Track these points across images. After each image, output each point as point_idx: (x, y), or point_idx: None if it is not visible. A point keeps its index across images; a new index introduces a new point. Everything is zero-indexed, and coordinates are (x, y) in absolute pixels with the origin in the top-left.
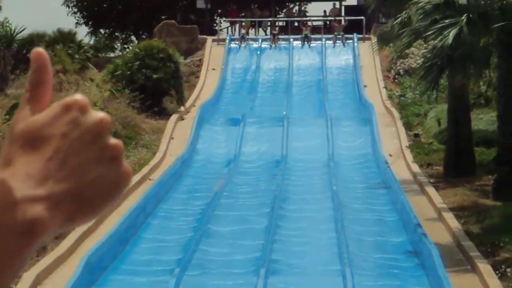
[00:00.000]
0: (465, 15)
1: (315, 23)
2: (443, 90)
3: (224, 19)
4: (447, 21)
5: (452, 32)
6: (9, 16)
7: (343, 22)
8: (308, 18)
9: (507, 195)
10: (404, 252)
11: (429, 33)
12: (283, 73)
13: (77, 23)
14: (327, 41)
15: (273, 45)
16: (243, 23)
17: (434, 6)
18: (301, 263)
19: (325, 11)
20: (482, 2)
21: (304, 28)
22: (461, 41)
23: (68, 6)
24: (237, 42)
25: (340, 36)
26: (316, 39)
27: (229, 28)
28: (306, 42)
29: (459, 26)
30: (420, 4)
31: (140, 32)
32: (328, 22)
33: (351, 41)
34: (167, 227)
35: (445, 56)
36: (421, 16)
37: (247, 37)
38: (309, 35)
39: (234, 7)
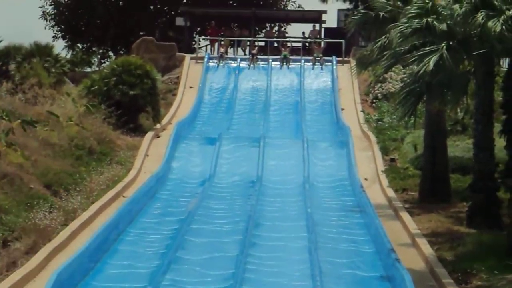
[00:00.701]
0: (445, 42)
1: (294, 44)
2: (420, 116)
3: (203, 37)
4: (427, 48)
5: (433, 59)
6: None
7: (322, 45)
8: (287, 39)
9: (481, 222)
10: (377, 277)
11: (411, 60)
12: (261, 93)
13: (54, 36)
14: (306, 63)
15: (252, 65)
16: (222, 42)
17: (414, 29)
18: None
19: (303, 33)
20: (462, 30)
21: (283, 49)
22: (441, 68)
23: (46, 19)
24: (215, 61)
25: (318, 58)
26: (295, 61)
27: (208, 46)
28: (285, 63)
29: (439, 52)
30: (400, 27)
31: (118, 48)
32: (307, 44)
33: (330, 63)
34: (140, 246)
35: (424, 83)
36: (400, 40)
37: (226, 56)
38: (288, 56)
39: (214, 25)
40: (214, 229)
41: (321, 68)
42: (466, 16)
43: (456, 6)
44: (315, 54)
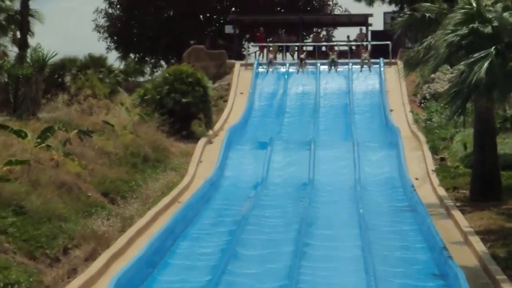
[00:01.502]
0: (494, 47)
1: (341, 48)
2: (469, 115)
3: (252, 43)
4: (476, 54)
5: (484, 66)
6: (41, 41)
7: (369, 47)
8: (335, 43)
9: None
10: (430, 275)
11: (461, 66)
12: (310, 97)
13: (108, 48)
14: (353, 66)
15: (300, 70)
16: (271, 48)
17: (461, 37)
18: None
19: (348, 36)
20: (507, 27)
21: (331, 53)
22: (490, 72)
23: (99, 31)
24: (264, 67)
25: (366, 61)
26: (342, 64)
27: (257, 52)
28: (333, 67)
29: (489, 58)
30: (448, 37)
31: (169, 57)
32: (353, 47)
33: (377, 66)
34: (196, 250)
35: (471, 83)
36: (447, 48)
37: (275, 61)
38: (335, 59)
39: (262, 31)
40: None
41: (369, 71)
42: None
43: (506, 14)
44: (363, 57)
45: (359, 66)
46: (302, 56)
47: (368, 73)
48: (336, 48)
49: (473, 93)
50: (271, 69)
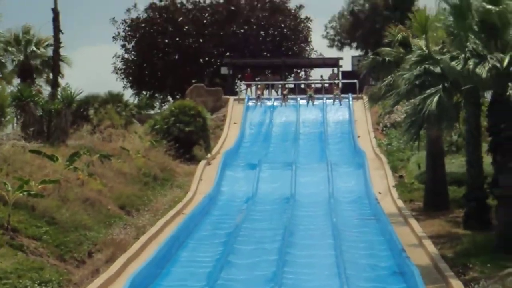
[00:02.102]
0: (441, 84)
1: (317, 86)
2: (423, 139)
3: (243, 82)
4: (427, 91)
5: (434, 100)
6: (70, 82)
7: (340, 85)
8: (311, 81)
9: (475, 225)
10: (392, 272)
11: (415, 101)
12: (292, 126)
13: (124, 86)
14: (327, 100)
15: (284, 103)
16: (259, 86)
17: (416, 76)
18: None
19: (321, 76)
20: (453, 71)
21: (308, 89)
22: (439, 105)
23: (117, 73)
24: (254, 101)
25: (338, 96)
26: (318, 98)
27: (247, 89)
28: (310, 101)
29: (438, 94)
30: (405, 76)
31: (175, 93)
32: (326, 85)
33: (347, 99)
34: (197, 255)
35: (424, 114)
36: (406, 85)
37: (262, 97)
38: (312, 95)
39: (249, 72)
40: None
41: (340, 104)
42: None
43: (454, 63)
44: (335, 93)
45: (332, 101)
46: (285, 92)
47: (339, 106)
48: (312, 85)
49: (426, 122)
50: (259, 103)
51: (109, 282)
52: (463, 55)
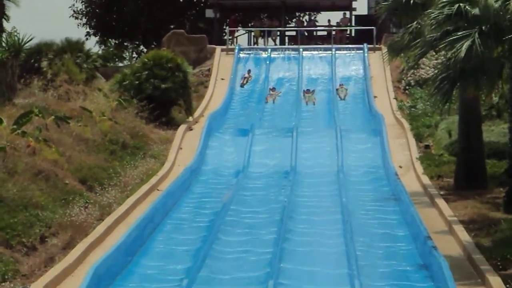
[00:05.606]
0: (477, 27)
1: (320, 33)
2: (455, 102)
3: (228, 28)
4: (459, 33)
5: (465, 45)
6: (18, 26)
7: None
8: (318, 28)
9: None
10: (414, 265)
11: (442, 45)
12: (293, 82)
13: (86, 34)
14: (336, 51)
15: (268, 101)
16: (253, 33)
17: (446, 16)
18: (311, 271)
19: (329, 21)
20: (494, 13)
21: (306, 93)
22: (473, 54)
23: (76, 18)
24: (246, 52)
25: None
26: (326, 49)
27: (232, 39)
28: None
29: (471, 38)
30: (433, 14)
31: (149, 41)
32: (334, 33)
33: (361, 51)
34: (175, 238)
35: (458, 69)
36: (433, 27)
37: (257, 46)
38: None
39: (232, 18)
40: (251, 217)
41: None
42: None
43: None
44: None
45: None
46: (271, 89)
47: (352, 59)
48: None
49: (459, 79)
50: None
51: (66, 273)
52: None
